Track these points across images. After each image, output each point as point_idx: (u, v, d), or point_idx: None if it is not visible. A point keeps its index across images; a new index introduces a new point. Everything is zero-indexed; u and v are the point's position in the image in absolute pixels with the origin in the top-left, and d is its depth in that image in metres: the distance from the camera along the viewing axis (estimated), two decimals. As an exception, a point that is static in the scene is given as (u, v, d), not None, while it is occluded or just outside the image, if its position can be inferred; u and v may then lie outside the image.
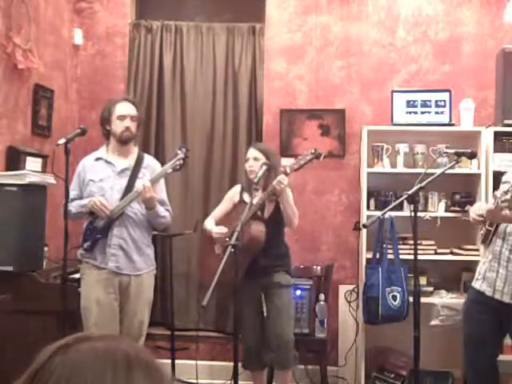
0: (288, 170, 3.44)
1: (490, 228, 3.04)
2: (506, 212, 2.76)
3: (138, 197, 3.34)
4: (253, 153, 3.69)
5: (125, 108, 3.44)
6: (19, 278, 3.46)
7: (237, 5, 4.91)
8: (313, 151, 3.47)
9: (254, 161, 3.65)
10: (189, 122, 4.71)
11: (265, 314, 3.63)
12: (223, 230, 3.68)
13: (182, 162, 3.33)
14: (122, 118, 3.42)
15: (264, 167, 3.42)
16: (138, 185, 3.33)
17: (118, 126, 3.42)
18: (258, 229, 3.51)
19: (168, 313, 4.43)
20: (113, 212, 3.34)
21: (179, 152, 3.35)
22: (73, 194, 3.48)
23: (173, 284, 4.40)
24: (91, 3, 4.75)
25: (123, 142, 3.45)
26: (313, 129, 4.57)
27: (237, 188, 3.87)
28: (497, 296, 2.99)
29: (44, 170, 3.94)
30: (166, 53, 4.71)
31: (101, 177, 3.44)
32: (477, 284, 3.12)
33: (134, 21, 4.81)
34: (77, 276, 3.65)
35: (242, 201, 3.69)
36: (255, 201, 3.47)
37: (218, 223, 3.78)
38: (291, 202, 3.56)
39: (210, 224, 3.79)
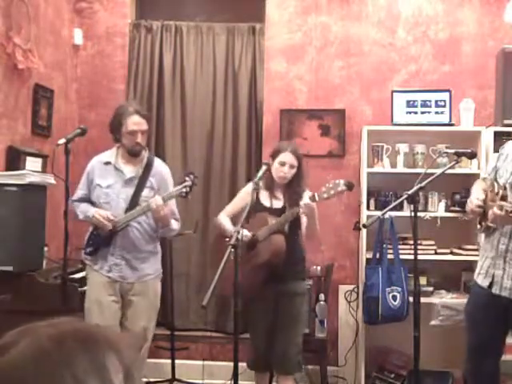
0: (317, 198, 3.27)
1: (492, 225, 3.03)
2: None
3: (146, 213, 3.31)
4: (290, 159, 3.47)
5: (136, 123, 3.35)
6: (19, 278, 3.46)
7: (237, 5, 4.91)
8: (345, 182, 3.27)
9: (290, 168, 3.46)
10: (189, 122, 4.71)
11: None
12: (247, 234, 3.39)
13: (188, 189, 3.24)
14: (133, 133, 3.35)
15: (264, 167, 3.41)
16: (149, 201, 3.27)
17: (128, 141, 3.38)
18: (280, 244, 3.38)
19: (168, 313, 4.44)
20: (117, 224, 3.32)
21: (187, 179, 3.26)
22: (81, 192, 3.51)
23: (173, 284, 4.40)
24: (91, 3, 4.74)
25: (133, 155, 3.43)
26: (313, 129, 4.57)
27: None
28: (504, 293, 2.98)
29: (44, 170, 3.93)
30: (166, 53, 4.71)
31: (108, 183, 3.41)
32: (479, 279, 3.11)
33: (133, 21, 4.81)
34: (77, 276, 3.65)
35: (258, 201, 3.51)
36: (285, 217, 3.37)
37: (232, 220, 3.62)
38: (317, 223, 3.42)
39: (229, 224, 3.57)
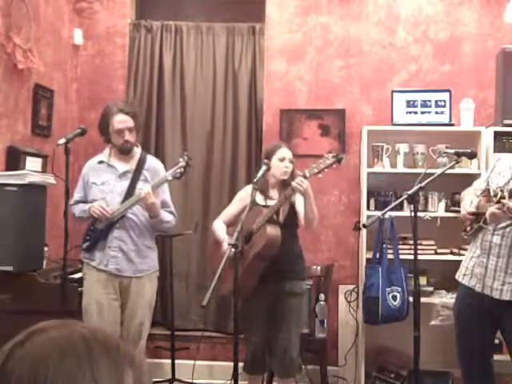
0: (307, 174, 3.27)
1: (484, 226, 3.01)
2: None
3: (138, 202, 3.35)
4: (288, 153, 3.54)
5: (121, 121, 3.41)
6: (19, 278, 3.46)
7: (237, 5, 4.90)
8: (334, 155, 3.28)
9: (290, 162, 3.51)
10: (189, 122, 4.71)
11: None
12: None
13: (182, 170, 3.30)
14: (119, 132, 3.41)
15: (264, 167, 3.40)
16: (140, 191, 3.32)
17: (117, 140, 3.44)
18: (274, 233, 3.37)
19: (168, 313, 4.44)
20: (113, 215, 3.35)
21: (181, 160, 3.33)
22: (77, 196, 3.55)
23: (173, 284, 4.40)
24: (91, 3, 4.74)
25: (124, 153, 3.47)
26: (313, 129, 4.57)
27: (248, 189, 3.64)
28: (486, 291, 2.97)
29: (44, 170, 3.93)
30: (166, 53, 4.71)
31: (103, 180, 3.46)
32: (465, 280, 3.11)
33: (133, 21, 4.81)
34: (77, 276, 3.65)
35: (254, 202, 3.50)
36: (272, 203, 3.40)
37: (228, 225, 3.62)
38: (313, 204, 3.40)
39: (221, 230, 3.57)
